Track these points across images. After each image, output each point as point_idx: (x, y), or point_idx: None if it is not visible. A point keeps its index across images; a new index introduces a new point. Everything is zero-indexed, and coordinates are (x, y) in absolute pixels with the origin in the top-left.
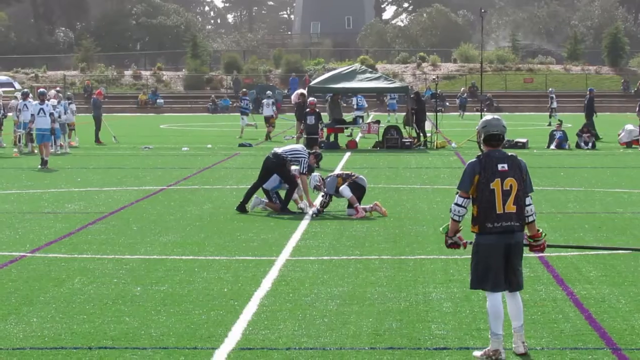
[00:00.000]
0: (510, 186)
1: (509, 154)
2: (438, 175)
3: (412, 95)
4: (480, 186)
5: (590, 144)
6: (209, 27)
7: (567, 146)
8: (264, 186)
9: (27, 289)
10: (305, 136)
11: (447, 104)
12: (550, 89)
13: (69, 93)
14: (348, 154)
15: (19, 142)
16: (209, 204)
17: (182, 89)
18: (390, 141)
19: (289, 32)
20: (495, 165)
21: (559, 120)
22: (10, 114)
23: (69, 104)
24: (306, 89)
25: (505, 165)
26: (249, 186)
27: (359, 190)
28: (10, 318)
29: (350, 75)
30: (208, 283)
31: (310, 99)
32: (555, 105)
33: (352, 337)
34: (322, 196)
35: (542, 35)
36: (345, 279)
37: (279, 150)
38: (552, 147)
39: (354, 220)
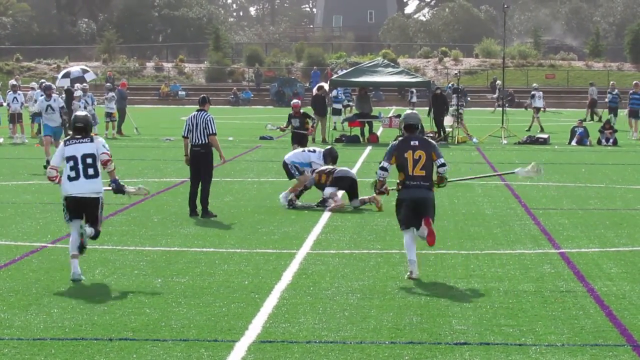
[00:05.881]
0: (420, 156)
1: (421, 136)
2: (459, 169)
3: (436, 91)
4: (398, 157)
5: (611, 141)
6: (231, 19)
7: (588, 142)
8: (285, 160)
9: (48, 280)
10: (293, 131)
11: (469, 98)
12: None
13: (108, 84)
14: (369, 147)
15: (40, 132)
16: (230, 197)
17: (203, 81)
18: None
19: (311, 26)
20: (409, 142)
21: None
22: (26, 104)
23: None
24: (328, 82)
25: (417, 142)
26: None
27: (342, 181)
28: (31, 308)
29: (373, 69)
30: (229, 275)
31: (294, 101)
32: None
33: (372, 331)
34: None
35: (565, 31)
36: (366, 273)
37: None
38: (573, 143)
39: (376, 214)
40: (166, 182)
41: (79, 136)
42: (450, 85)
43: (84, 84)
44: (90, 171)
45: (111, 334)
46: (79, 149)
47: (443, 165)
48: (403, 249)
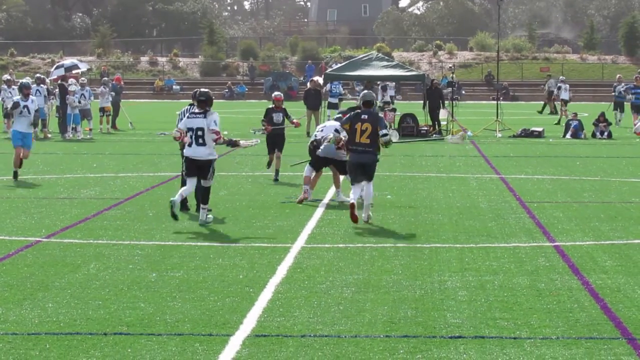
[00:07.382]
0: (366, 128)
1: (372, 111)
2: (454, 163)
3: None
4: (351, 126)
5: (606, 134)
6: (226, 13)
7: (582, 135)
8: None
9: (43, 275)
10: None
11: (464, 92)
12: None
13: (105, 78)
14: None
15: (35, 127)
16: (224, 191)
17: (198, 76)
18: (406, 129)
19: (306, 20)
20: (361, 116)
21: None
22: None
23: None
24: (322, 76)
25: (366, 116)
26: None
27: (323, 161)
28: (26, 303)
29: (367, 63)
30: (223, 270)
31: (276, 93)
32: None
33: (367, 325)
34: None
35: (559, 24)
36: (361, 267)
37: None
38: (568, 136)
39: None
40: (161, 176)
41: (198, 110)
42: (449, 78)
43: (82, 79)
44: (200, 141)
45: (106, 328)
46: (195, 122)
47: (384, 135)
48: (397, 242)
